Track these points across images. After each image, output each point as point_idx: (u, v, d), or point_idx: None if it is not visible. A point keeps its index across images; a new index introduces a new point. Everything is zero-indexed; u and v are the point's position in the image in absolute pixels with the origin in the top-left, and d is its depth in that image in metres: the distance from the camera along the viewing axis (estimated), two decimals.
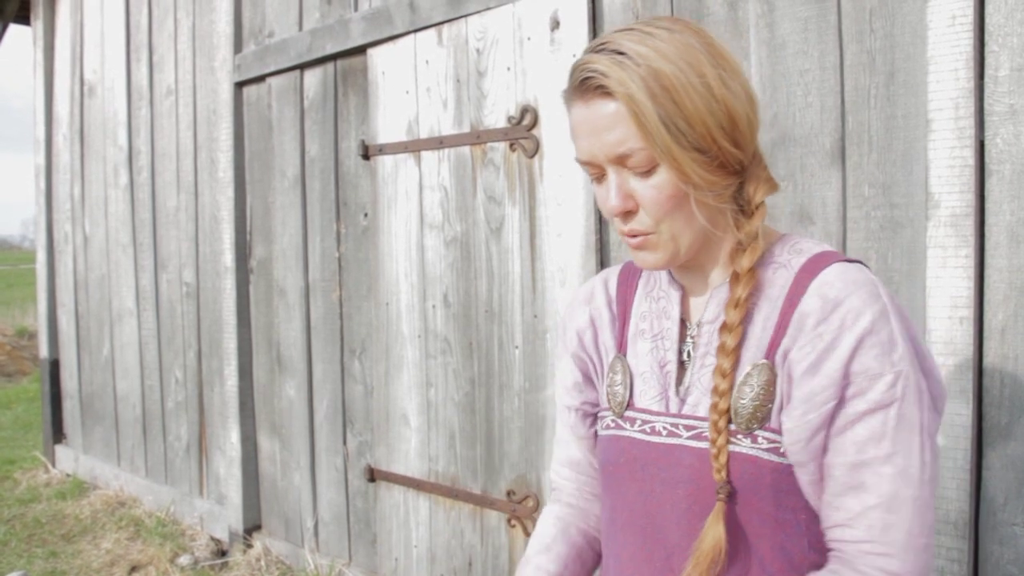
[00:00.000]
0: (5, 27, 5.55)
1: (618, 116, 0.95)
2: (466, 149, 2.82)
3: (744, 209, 1.03)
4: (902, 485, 0.93)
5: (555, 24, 2.52)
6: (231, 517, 3.91)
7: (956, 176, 1.74)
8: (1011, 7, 1.71)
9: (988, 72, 1.73)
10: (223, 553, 3.92)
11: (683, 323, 1.11)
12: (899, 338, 0.94)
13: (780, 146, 2.05)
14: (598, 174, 1.02)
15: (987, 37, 1.74)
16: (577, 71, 0.98)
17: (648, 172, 0.98)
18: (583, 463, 1.25)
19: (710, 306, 1.07)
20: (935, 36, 1.76)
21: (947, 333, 1.76)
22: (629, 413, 1.12)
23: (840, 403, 0.95)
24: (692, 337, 1.09)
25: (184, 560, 3.78)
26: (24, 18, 5.48)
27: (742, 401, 1.00)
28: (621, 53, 0.95)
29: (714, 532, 0.98)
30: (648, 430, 1.08)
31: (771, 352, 1.00)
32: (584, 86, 0.97)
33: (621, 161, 0.98)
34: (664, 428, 1.07)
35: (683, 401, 1.07)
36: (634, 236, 1.02)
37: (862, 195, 1.93)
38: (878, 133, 1.90)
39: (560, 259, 2.55)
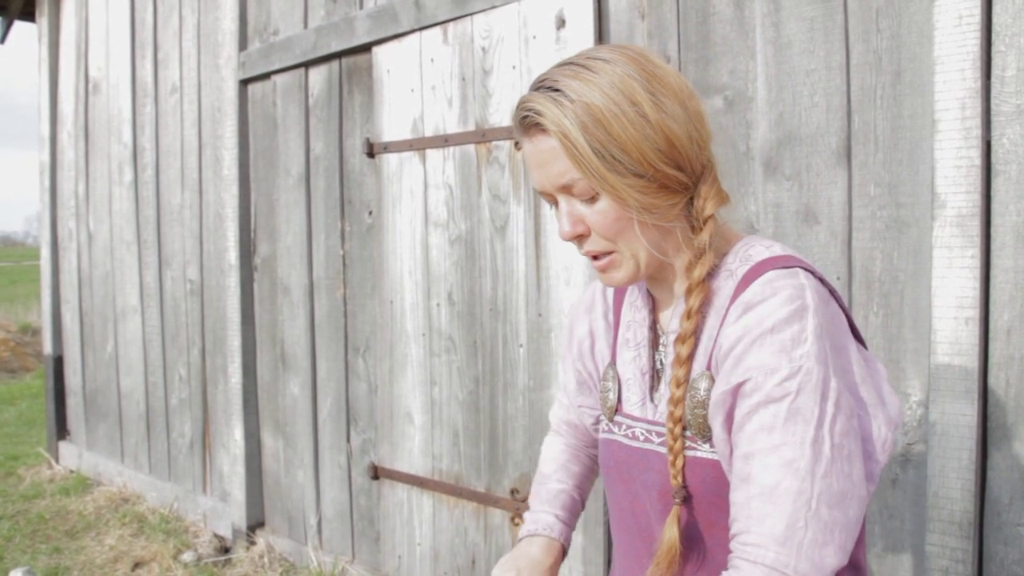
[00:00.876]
0: (10, 24, 5.56)
1: (556, 151, 1.01)
2: (471, 147, 2.82)
3: (694, 225, 1.06)
4: (786, 476, 0.92)
5: (561, 23, 2.52)
6: (234, 514, 3.92)
7: (962, 176, 1.74)
8: (1018, 7, 1.70)
9: (995, 72, 1.73)
10: (226, 550, 3.93)
11: (657, 332, 1.17)
12: (809, 337, 0.95)
13: (786, 145, 2.05)
14: (553, 201, 1.08)
15: (994, 37, 1.73)
16: (518, 110, 1.04)
17: (592, 199, 1.03)
18: (580, 429, 1.38)
19: (674, 318, 1.11)
20: (942, 36, 1.76)
21: (952, 333, 1.76)
22: (618, 418, 1.18)
23: (739, 398, 0.98)
24: (663, 346, 1.15)
25: (187, 557, 3.79)
26: (29, 15, 5.49)
27: (688, 411, 1.04)
28: (556, 90, 1.00)
29: (669, 534, 1.03)
30: (630, 435, 1.15)
31: (710, 362, 1.04)
32: (524, 124, 1.03)
33: (567, 190, 1.04)
34: (642, 434, 1.13)
35: (656, 407, 1.13)
36: (596, 258, 1.08)
37: (868, 195, 1.93)
38: (884, 133, 1.90)
39: (565, 258, 2.55)
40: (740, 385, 0.97)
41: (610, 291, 1.27)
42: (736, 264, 1.06)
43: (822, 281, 1.03)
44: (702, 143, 1.04)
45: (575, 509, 1.36)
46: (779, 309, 0.96)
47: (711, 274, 1.07)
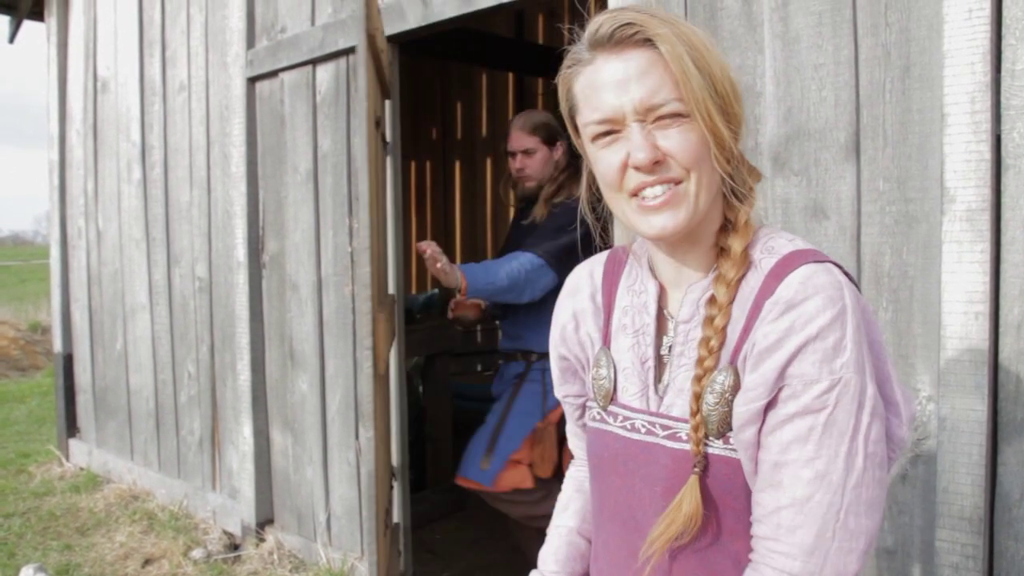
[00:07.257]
0: (19, 23, 5.58)
1: (653, 65, 0.96)
2: None
3: (736, 192, 1.03)
4: (818, 489, 0.93)
5: None
6: (244, 511, 3.93)
7: (972, 171, 1.74)
8: None
9: (1005, 66, 1.72)
10: (236, 547, 3.94)
11: (663, 318, 1.12)
12: (848, 345, 0.93)
13: (794, 140, 2.04)
14: (614, 134, 1.01)
15: (1004, 31, 1.72)
16: (605, 24, 0.98)
17: (673, 124, 0.98)
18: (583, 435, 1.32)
19: (684, 306, 1.07)
20: (951, 30, 1.75)
21: (962, 328, 1.75)
22: (612, 408, 1.14)
23: (774, 403, 0.96)
24: (669, 335, 1.10)
25: (197, 553, 3.80)
26: (38, 14, 5.50)
27: (707, 406, 1.00)
28: (646, 13, 0.98)
29: (692, 496, 0.99)
30: (628, 427, 1.11)
31: (735, 356, 1.00)
32: (616, 36, 0.97)
33: (648, 113, 0.98)
34: (643, 425, 1.09)
35: (661, 399, 1.08)
36: (657, 197, 1.00)
37: (877, 190, 1.92)
38: (893, 127, 1.89)
39: None
40: (779, 392, 0.96)
41: (597, 273, 1.22)
42: (759, 255, 1.03)
43: (847, 276, 1.01)
44: (739, 125, 1.04)
45: (574, 552, 1.29)
46: (822, 312, 0.94)
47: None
